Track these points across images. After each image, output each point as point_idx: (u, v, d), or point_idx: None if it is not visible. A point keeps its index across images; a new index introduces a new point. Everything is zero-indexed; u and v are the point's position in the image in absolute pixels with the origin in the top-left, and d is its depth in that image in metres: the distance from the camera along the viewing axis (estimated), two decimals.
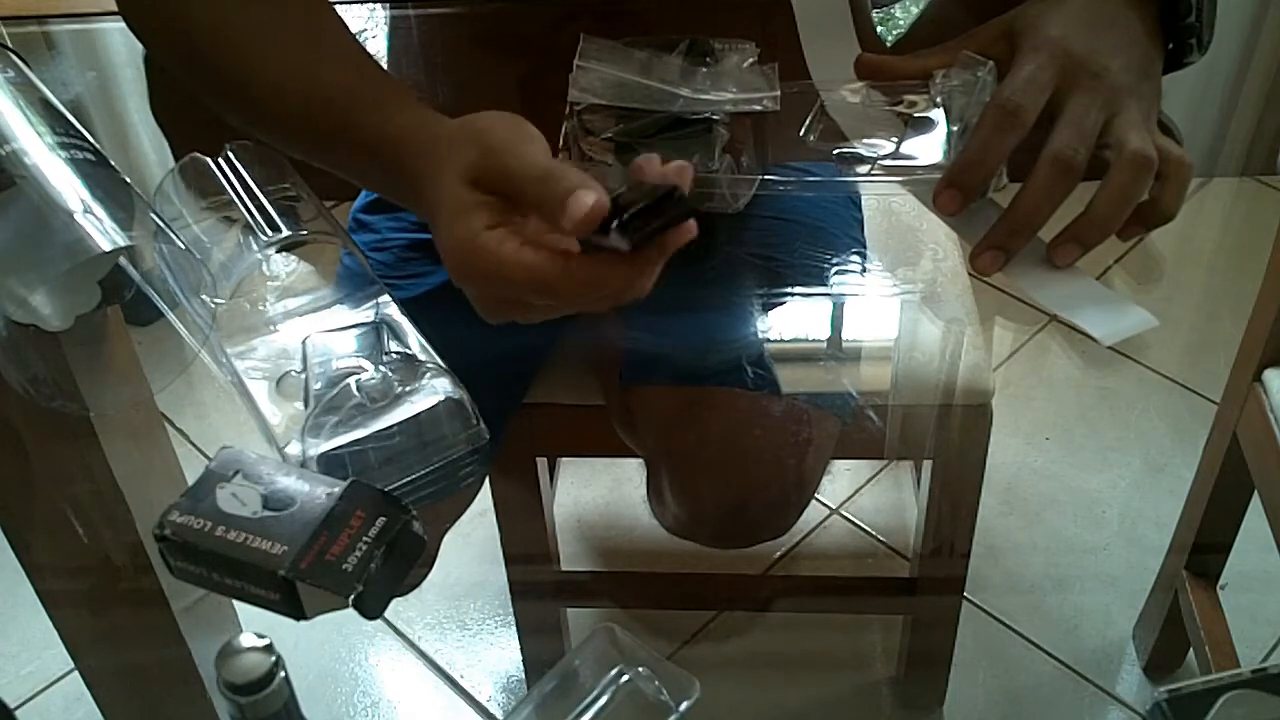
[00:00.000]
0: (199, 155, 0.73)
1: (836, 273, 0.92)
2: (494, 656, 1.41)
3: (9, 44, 0.72)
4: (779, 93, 0.72)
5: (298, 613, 0.56)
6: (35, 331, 0.62)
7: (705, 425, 0.89)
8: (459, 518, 0.90)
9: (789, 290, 0.92)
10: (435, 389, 0.63)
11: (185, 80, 0.70)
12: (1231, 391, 1.08)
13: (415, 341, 0.67)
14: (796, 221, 0.93)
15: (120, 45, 0.71)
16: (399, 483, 0.62)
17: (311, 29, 0.68)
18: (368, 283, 0.71)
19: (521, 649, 1.32)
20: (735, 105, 0.71)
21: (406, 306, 0.70)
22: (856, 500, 1.53)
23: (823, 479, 0.93)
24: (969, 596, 1.37)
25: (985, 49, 0.69)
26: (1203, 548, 1.18)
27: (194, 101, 0.69)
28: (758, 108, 0.72)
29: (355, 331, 0.68)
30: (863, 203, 1.00)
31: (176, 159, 0.75)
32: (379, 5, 0.98)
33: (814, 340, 1.00)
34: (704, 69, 0.73)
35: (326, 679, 1.39)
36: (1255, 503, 1.08)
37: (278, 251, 0.69)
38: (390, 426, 0.62)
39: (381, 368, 0.64)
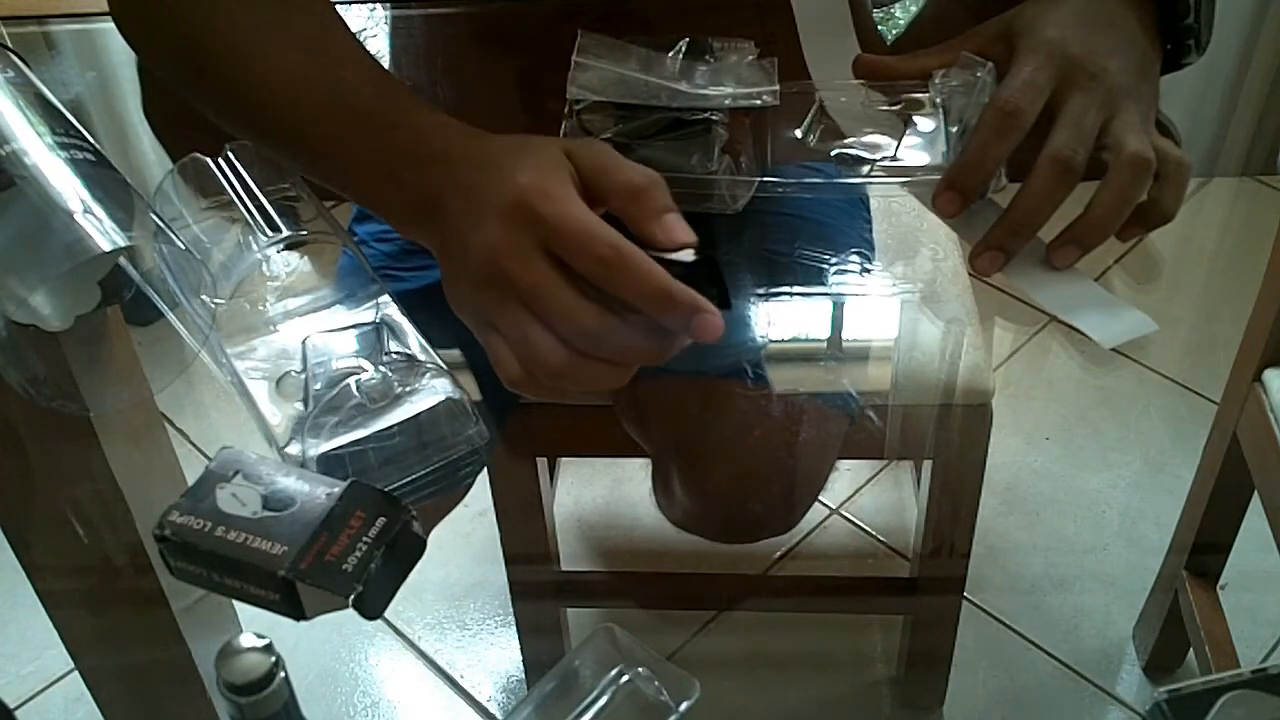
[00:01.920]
0: (199, 155, 0.73)
1: (839, 272, 0.92)
2: (494, 656, 1.41)
3: (9, 44, 0.72)
4: (778, 87, 0.72)
5: (298, 613, 0.56)
6: (35, 331, 0.62)
7: (715, 419, 0.89)
8: (445, 516, 0.89)
9: (797, 288, 0.92)
10: (435, 389, 0.63)
11: (182, 87, 0.69)
12: (1231, 391, 1.08)
13: (415, 342, 0.67)
14: (804, 218, 0.93)
15: (120, 45, 0.71)
16: (399, 483, 0.62)
17: (323, 30, 0.68)
18: (368, 281, 0.71)
19: (521, 649, 1.32)
20: (734, 100, 0.71)
21: (408, 299, 0.70)
22: (856, 500, 1.53)
23: (829, 477, 0.93)
24: (969, 596, 1.37)
25: (984, 49, 0.69)
26: (1203, 548, 1.18)
27: (187, 106, 0.69)
28: (757, 103, 0.71)
29: (355, 332, 0.68)
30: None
31: (174, 161, 0.75)
32: (379, 5, 0.98)
33: (814, 340, 1.00)
34: (704, 66, 0.73)
35: (326, 679, 1.39)
36: (1255, 503, 1.08)
37: (278, 251, 0.69)
38: (390, 427, 0.62)
39: (381, 368, 0.64)
